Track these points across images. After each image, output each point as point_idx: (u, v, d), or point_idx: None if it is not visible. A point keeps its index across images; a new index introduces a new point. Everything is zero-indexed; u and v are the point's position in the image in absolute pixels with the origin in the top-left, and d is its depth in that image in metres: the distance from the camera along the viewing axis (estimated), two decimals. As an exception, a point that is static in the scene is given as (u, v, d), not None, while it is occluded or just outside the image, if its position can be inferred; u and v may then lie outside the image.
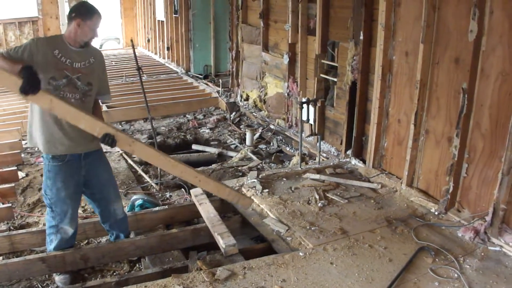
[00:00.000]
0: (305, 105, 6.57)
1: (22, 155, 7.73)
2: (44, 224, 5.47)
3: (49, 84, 4.03)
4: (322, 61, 7.14)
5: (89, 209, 5.84)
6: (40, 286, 4.64)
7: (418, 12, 5.01)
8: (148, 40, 18.58)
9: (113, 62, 16.24)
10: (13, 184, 6.37)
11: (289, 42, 7.92)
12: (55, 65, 4.05)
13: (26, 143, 8.00)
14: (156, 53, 17.63)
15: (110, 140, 4.01)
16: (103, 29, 19.41)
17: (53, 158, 4.30)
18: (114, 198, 4.76)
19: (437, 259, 4.10)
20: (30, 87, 3.67)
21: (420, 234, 4.52)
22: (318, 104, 6.87)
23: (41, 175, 6.84)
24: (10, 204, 5.90)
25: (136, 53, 7.11)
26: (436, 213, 4.90)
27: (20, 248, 5.01)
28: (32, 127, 4.33)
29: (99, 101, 4.66)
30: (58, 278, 4.65)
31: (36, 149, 8.23)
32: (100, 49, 18.94)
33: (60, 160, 4.30)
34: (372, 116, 5.89)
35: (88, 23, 4.12)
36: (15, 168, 7.01)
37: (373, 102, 5.85)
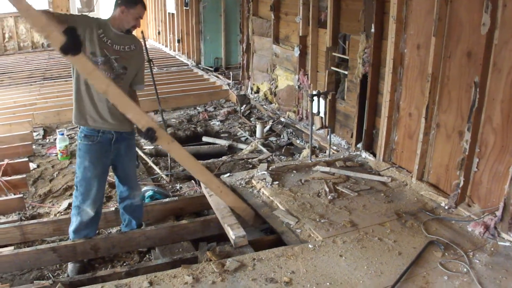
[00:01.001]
0: (315, 98, 6.57)
1: (33, 146, 7.77)
2: (55, 215, 5.53)
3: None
4: (333, 53, 7.13)
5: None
6: (51, 276, 4.68)
7: (430, 5, 4.98)
8: (159, 33, 18.58)
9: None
10: (24, 175, 6.42)
11: (300, 34, 7.92)
12: (98, 43, 4.22)
13: (37, 135, 8.10)
14: (166, 46, 17.64)
15: (152, 135, 4.17)
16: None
17: (85, 137, 4.44)
18: (135, 186, 4.90)
19: (446, 254, 4.09)
20: (71, 47, 3.77)
21: (430, 228, 4.51)
22: (329, 97, 6.86)
23: (52, 167, 6.92)
24: (21, 195, 5.96)
25: (147, 46, 7.11)
26: (446, 207, 4.88)
27: (31, 238, 5.06)
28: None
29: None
30: (70, 267, 4.71)
31: (47, 140, 8.29)
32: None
33: (91, 140, 4.44)
34: (383, 110, 5.87)
35: (132, 12, 4.29)
36: (27, 159, 7.05)
37: (384, 95, 5.84)
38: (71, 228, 4.68)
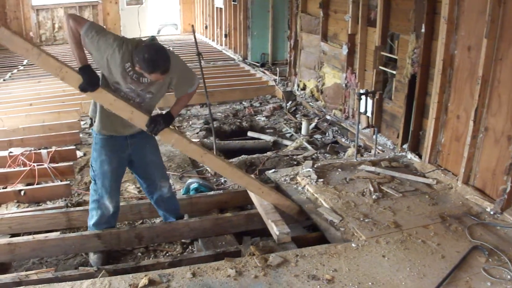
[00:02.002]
0: (363, 97, 6.54)
1: (81, 135, 7.92)
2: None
3: (111, 85, 4.16)
4: (382, 53, 7.09)
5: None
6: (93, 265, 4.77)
7: (483, 6, 4.91)
8: (206, 27, 18.67)
9: (171, 48, 16.37)
10: (71, 163, 6.56)
11: (349, 32, 7.89)
12: (123, 76, 4.08)
13: (84, 124, 8.24)
14: (213, 40, 17.71)
15: (155, 129, 4.24)
16: (161, 14, 19.55)
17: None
18: (159, 178, 4.85)
19: (490, 259, 4.04)
20: (88, 86, 3.93)
21: (474, 233, 4.46)
22: (376, 96, 6.83)
23: (98, 156, 7.02)
24: (68, 182, 6.08)
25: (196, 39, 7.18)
26: (492, 212, 4.81)
27: (76, 225, 5.19)
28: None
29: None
30: (93, 256, 4.78)
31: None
32: (158, 35, 19.02)
33: (106, 134, 4.43)
34: (431, 111, 5.82)
35: (147, 75, 4.01)
36: (74, 147, 7.19)
37: (432, 96, 5.79)
38: (91, 222, 4.74)
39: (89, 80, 3.93)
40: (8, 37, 3.73)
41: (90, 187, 4.76)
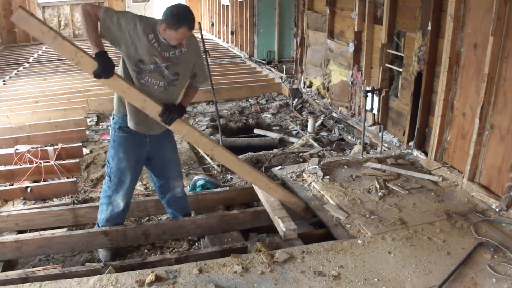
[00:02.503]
0: (369, 94, 6.55)
1: (87, 132, 7.94)
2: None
3: (136, 66, 4.08)
4: (388, 50, 7.09)
5: (150, 187, 5.99)
6: (101, 260, 4.79)
7: (489, 4, 4.91)
8: (212, 24, 18.71)
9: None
10: (77, 160, 6.58)
11: (355, 30, 7.90)
12: (147, 49, 4.04)
13: (90, 121, 8.28)
14: (219, 37, 17.75)
15: (169, 118, 4.18)
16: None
17: (119, 128, 4.41)
18: (174, 177, 4.84)
19: (495, 256, 4.04)
20: (103, 72, 3.87)
21: (480, 229, 4.47)
22: (383, 94, 6.83)
23: (105, 152, 7.08)
24: (74, 179, 6.10)
25: (203, 36, 7.19)
26: (497, 209, 4.82)
27: (83, 222, 5.22)
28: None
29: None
30: (102, 252, 4.81)
31: (100, 126, 8.46)
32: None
33: (126, 132, 4.39)
34: (437, 108, 5.83)
35: (173, 33, 3.99)
36: (80, 144, 7.21)
37: (438, 94, 5.79)
38: (102, 216, 4.74)
39: (105, 65, 3.88)
40: (25, 18, 3.71)
41: (104, 182, 4.76)
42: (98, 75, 3.88)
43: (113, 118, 4.50)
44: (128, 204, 4.77)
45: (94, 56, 3.88)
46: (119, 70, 4.23)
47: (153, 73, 4.13)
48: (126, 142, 4.44)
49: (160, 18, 4.04)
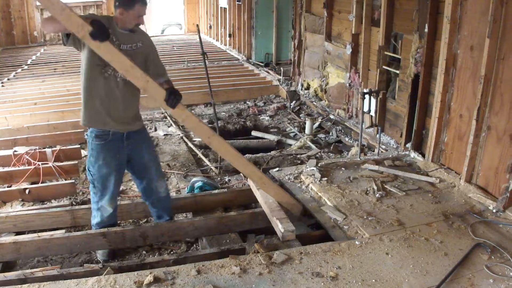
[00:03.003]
0: (366, 96, 6.57)
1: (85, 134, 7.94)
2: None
3: (99, 60, 4.18)
4: (385, 52, 7.11)
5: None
6: (99, 260, 4.80)
7: (485, 6, 4.94)
8: (210, 27, 18.72)
9: (175, 48, 16.46)
10: (76, 162, 6.59)
11: (353, 32, 7.92)
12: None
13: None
14: (217, 40, 17.76)
15: (175, 101, 4.27)
16: (166, 14, 19.64)
17: (96, 137, 4.46)
18: (156, 178, 4.88)
19: (493, 257, 4.06)
20: (99, 33, 3.91)
21: (477, 230, 4.48)
22: (380, 96, 6.86)
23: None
24: (73, 181, 6.11)
25: (201, 39, 7.21)
26: (494, 210, 4.83)
27: (81, 223, 5.22)
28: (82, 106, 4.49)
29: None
30: (100, 252, 4.85)
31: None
32: (162, 35, 19.20)
33: (102, 139, 4.45)
34: (434, 110, 5.85)
35: (131, 13, 4.23)
36: (78, 146, 7.22)
37: (435, 96, 5.81)
38: (94, 221, 4.79)
39: (102, 28, 3.93)
40: None
41: (90, 189, 4.77)
42: (94, 35, 3.90)
43: (88, 128, 4.56)
44: (115, 207, 4.80)
45: (90, 22, 3.92)
46: (82, 71, 4.37)
47: (111, 66, 4.21)
48: (104, 150, 4.50)
49: (114, 6, 4.27)
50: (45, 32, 4.24)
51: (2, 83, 11.44)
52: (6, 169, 6.49)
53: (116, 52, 4.04)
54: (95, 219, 4.78)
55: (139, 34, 4.48)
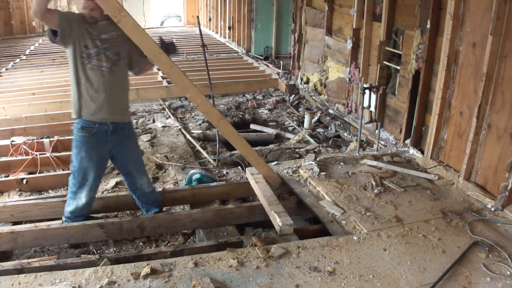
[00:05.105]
0: (366, 91, 6.55)
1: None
2: (102, 192, 5.64)
3: (83, 52, 4.33)
4: (386, 48, 7.10)
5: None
6: (95, 251, 4.80)
7: (489, 3, 4.91)
8: (210, 19, 18.69)
9: (174, 40, 16.37)
10: (73, 152, 6.56)
11: (354, 27, 7.89)
12: (89, 35, 4.35)
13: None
14: (217, 32, 17.74)
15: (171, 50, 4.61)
16: (165, 6, 19.66)
17: (81, 128, 4.52)
18: (138, 175, 4.95)
19: (490, 255, 4.05)
20: None
21: (475, 228, 4.48)
22: (380, 91, 6.84)
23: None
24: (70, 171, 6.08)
25: (202, 31, 7.18)
26: (493, 209, 4.83)
27: (78, 214, 5.19)
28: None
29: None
30: None
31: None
32: (161, 26, 19.23)
33: (87, 132, 4.52)
34: (434, 107, 5.83)
35: (85, 5, 4.36)
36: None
37: (436, 92, 5.79)
38: (69, 208, 4.81)
39: None
40: None
41: (69, 179, 4.78)
42: None
43: (75, 119, 4.60)
44: (92, 198, 4.83)
45: None
46: (70, 66, 4.49)
47: (98, 56, 4.39)
48: (88, 142, 4.56)
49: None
50: (38, 16, 4.30)
51: (0, 73, 11.39)
52: (4, 159, 6.48)
53: (147, 38, 4.35)
54: (69, 206, 4.80)
55: (114, 23, 4.52)
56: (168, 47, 4.71)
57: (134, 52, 4.63)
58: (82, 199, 4.71)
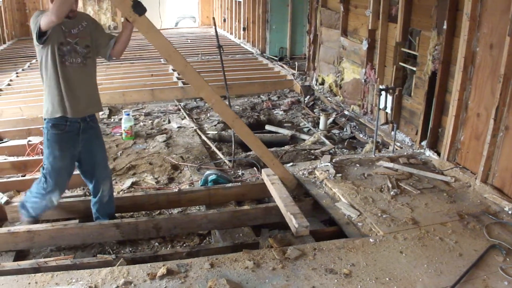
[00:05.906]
0: (383, 93, 6.53)
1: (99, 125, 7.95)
2: (118, 192, 5.64)
3: (59, 50, 4.34)
4: (402, 49, 7.07)
5: (162, 181, 5.99)
6: (111, 251, 4.81)
7: (506, 4, 4.88)
8: (224, 20, 18.72)
9: (189, 40, 16.47)
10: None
11: (369, 28, 7.86)
12: (62, 33, 4.35)
13: (102, 114, 8.28)
14: (231, 33, 17.76)
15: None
16: (180, 7, 19.70)
17: (52, 126, 4.49)
18: (102, 179, 4.88)
19: (508, 259, 4.02)
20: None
21: (492, 231, 4.44)
22: (396, 93, 6.81)
23: (117, 145, 7.08)
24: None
25: (217, 32, 7.18)
26: (510, 212, 4.78)
27: (94, 213, 5.21)
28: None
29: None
30: None
31: (112, 119, 8.49)
32: (175, 27, 19.35)
33: (59, 129, 4.48)
34: (451, 108, 5.80)
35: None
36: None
37: (452, 94, 5.76)
38: (34, 205, 4.82)
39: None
40: None
41: (39, 180, 4.75)
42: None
43: (45, 120, 4.56)
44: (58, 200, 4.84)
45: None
46: (41, 66, 4.47)
47: (71, 53, 4.40)
48: (60, 140, 4.53)
49: None
50: (58, 19, 4.33)
51: (16, 73, 11.49)
52: (20, 158, 6.51)
53: (161, 37, 4.45)
54: (36, 204, 4.79)
55: (80, 16, 4.58)
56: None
57: (100, 37, 4.64)
58: (53, 201, 4.71)
